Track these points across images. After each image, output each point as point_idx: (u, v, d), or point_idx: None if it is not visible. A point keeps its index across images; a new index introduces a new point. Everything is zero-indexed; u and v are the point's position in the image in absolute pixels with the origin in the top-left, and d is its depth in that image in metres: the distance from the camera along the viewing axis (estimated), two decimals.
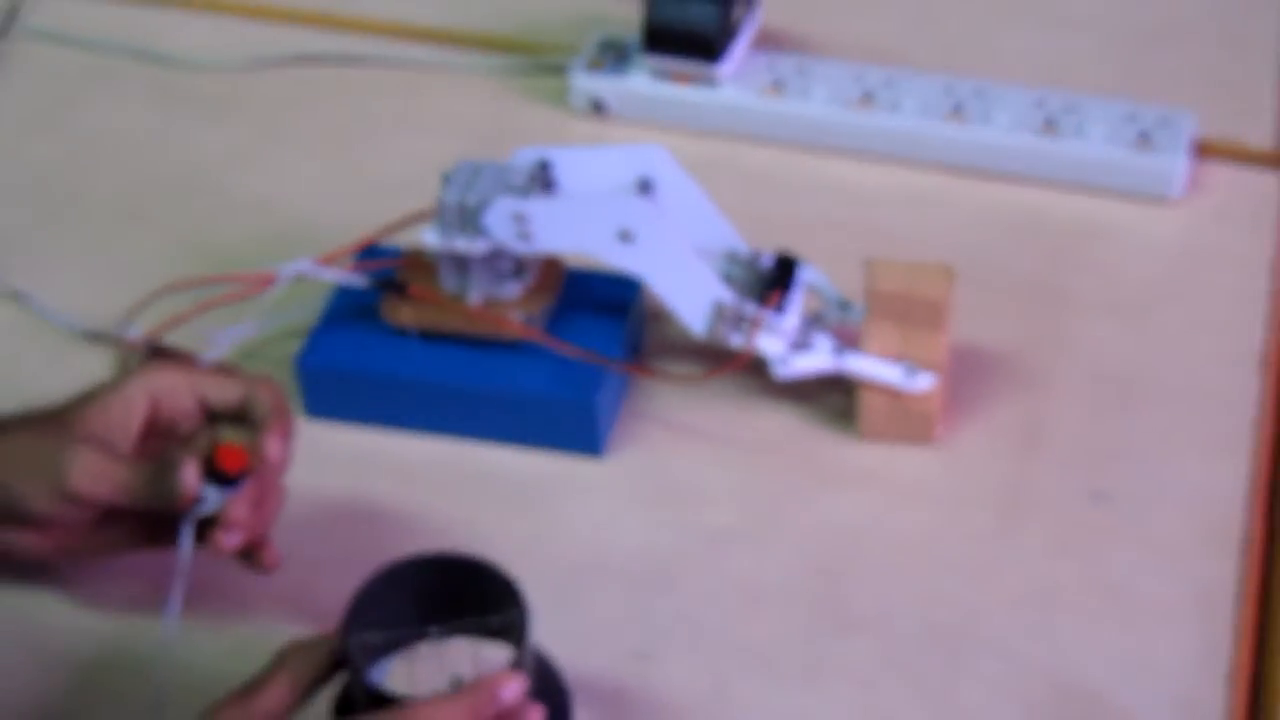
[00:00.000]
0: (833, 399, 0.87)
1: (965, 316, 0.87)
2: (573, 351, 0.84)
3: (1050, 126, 1.00)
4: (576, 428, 0.85)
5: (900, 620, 0.77)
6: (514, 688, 0.64)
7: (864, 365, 0.83)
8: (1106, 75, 1.08)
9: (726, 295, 0.83)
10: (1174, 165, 0.98)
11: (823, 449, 0.85)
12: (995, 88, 1.03)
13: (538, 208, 0.82)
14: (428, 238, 0.84)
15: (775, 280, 0.85)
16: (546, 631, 0.75)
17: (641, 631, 0.77)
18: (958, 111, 1.02)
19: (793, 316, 0.84)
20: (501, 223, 0.82)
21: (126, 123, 1.10)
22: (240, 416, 0.74)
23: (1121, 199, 0.99)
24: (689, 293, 0.83)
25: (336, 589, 0.69)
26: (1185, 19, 1.12)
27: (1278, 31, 1.11)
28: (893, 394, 0.83)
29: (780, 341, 0.84)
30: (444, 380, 0.85)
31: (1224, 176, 1.00)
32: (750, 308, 0.83)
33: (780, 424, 0.87)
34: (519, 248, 0.83)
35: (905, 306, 0.82)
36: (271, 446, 0.73)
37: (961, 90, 1.03)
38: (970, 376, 0.88)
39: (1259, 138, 1.03)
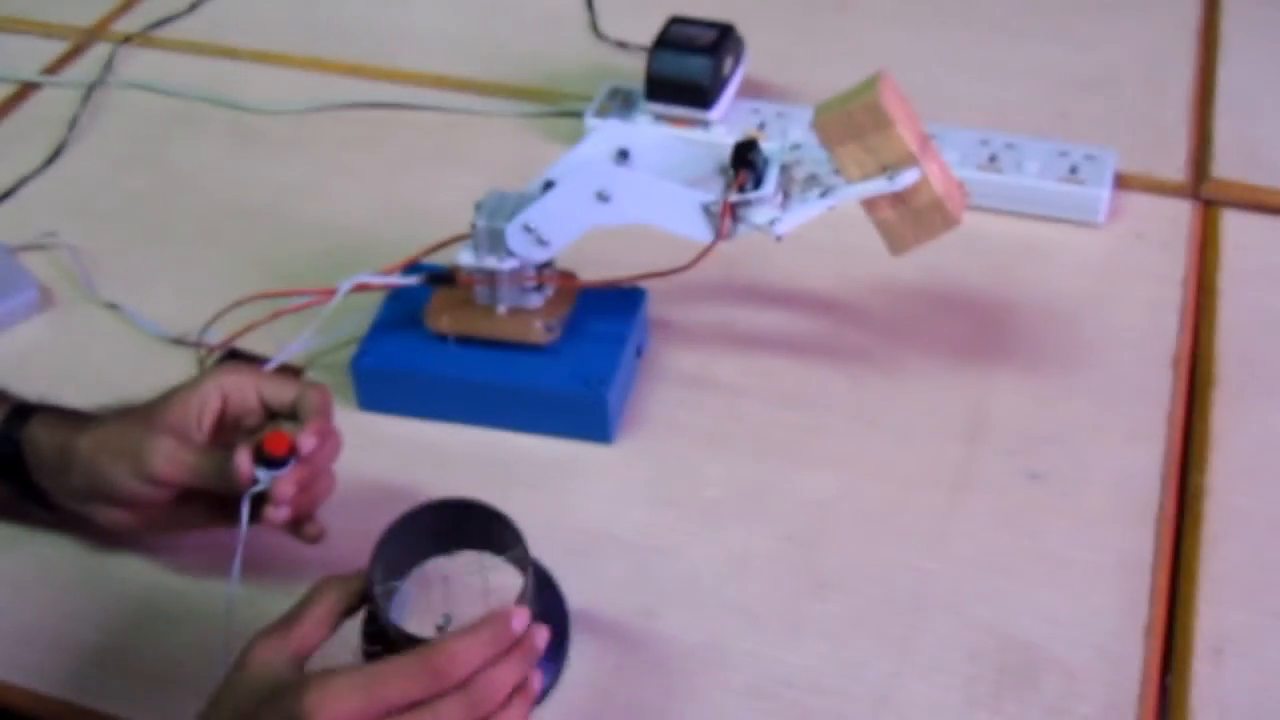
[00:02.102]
0: (803, 396, 0.86)
1: (922, 321, 0.86)
2: (600, 284, 0.85)
3: (993, 162, 1.00)
4: (589, 419, 0.84)
5: (866, 583, 0.77)
6: (522, 618, 0.63)
7: (851, 192, 0.78)
8: (1041, 118, 1.07)
9: (707, 196, 0.79)
10: (1099, 195, 0.97)
11: (797, 439, 0.85)
12: (946, 129, 1.02)
13: (533, 213, 0.81)
14: (463, 257, 0.84)
15: (737, 164, 0.80)
16: (564, 592, 0.75)
17: (646, 592, 0.77)
18: None
19: (770, 185, 0.79)
20: (518, 239, 0.81)
21: (206, 159, 1.10)
22: (294, 414, 0.74)
23: (1054, 223, 0.98)
24: (677, 213, 0.80)
25: None
26: (1109, 70, 1.12)
27: (1188, 80, 1.10)
28: (895, 203, 0.78)
29: (768, 209, 0.80)
30: (476, 379, 0.84)
31: (1141, 204, 0.99)
32: (730, 195, 0.79)
33: (760, 418, 0.86)
34: (542, 255, 0.82)
35: (852, 122, 0.77)
36: (306, 439, 0.72)
37: None
38: (924, 371, 0.87)
39: (1172, 171, 1.02)
